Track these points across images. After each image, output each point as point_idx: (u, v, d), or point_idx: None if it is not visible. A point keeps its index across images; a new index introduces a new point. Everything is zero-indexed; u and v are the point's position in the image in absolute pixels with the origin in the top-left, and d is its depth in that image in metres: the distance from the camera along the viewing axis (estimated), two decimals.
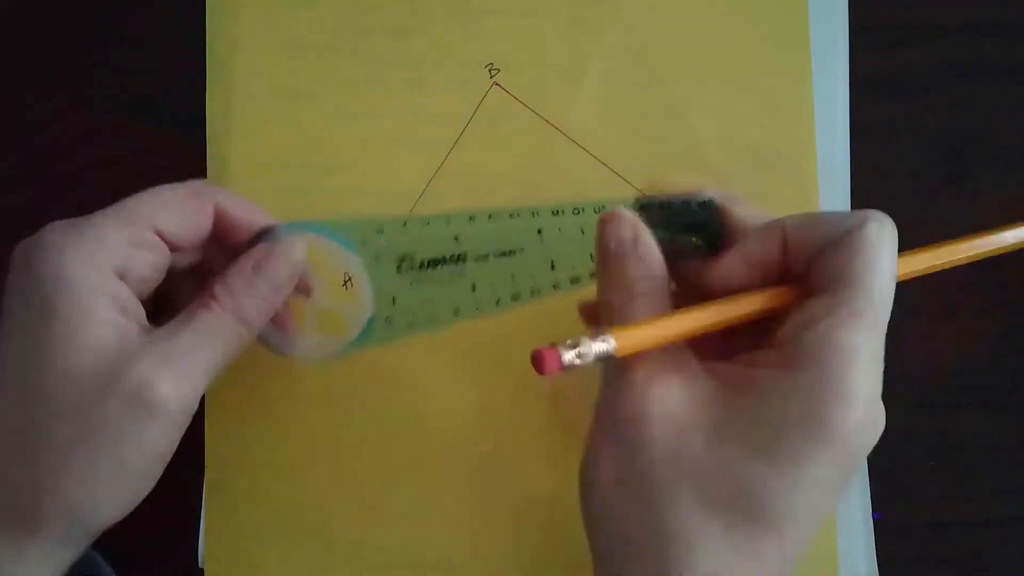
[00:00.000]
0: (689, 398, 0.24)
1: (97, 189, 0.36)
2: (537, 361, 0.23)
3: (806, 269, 0.25)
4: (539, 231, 0.31)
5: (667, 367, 0.25)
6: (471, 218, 0.30)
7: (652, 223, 0.27)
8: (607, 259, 0.27)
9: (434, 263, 0.30)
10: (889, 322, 0.34)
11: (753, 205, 0.29)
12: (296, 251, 0.30)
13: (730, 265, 0.27)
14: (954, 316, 0.35)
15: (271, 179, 0.34)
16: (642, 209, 0.29)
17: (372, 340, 0.31)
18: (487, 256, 0.30)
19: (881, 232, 0.24)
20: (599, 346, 0.23)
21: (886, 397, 0.34)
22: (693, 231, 0.29)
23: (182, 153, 0.35)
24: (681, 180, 0.34)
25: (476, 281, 0.31)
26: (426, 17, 0.35)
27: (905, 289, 0.35)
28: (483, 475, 0.34)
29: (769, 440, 0.23)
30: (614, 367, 0.25)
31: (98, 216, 0.27)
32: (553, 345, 0.23)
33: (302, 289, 0.31)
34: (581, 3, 0.34)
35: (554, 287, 0.31)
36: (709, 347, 0.27)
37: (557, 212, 0.31)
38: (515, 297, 0.31)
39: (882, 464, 0.34)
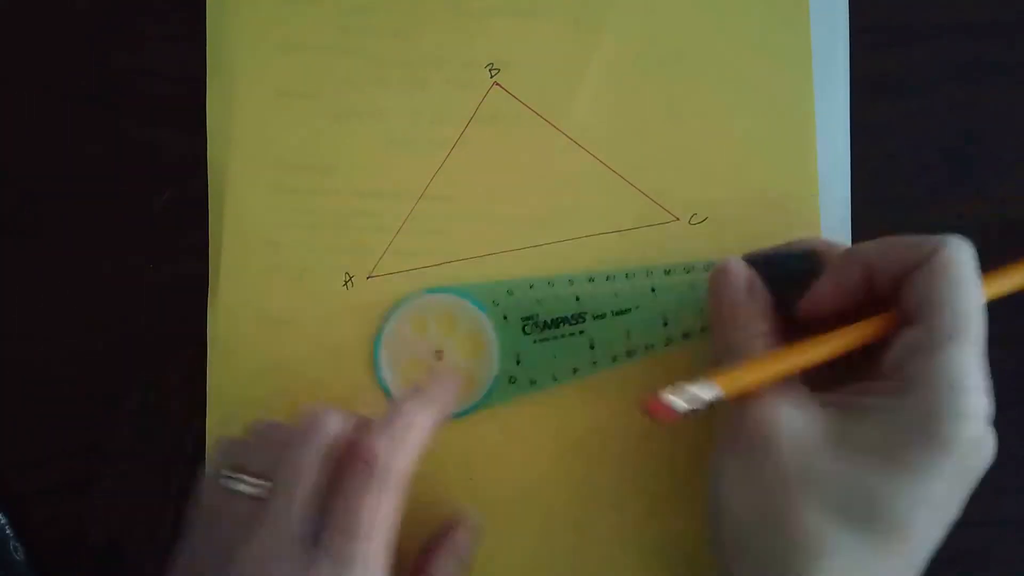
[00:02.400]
0: (811, 420, 0.26)
1: (97, 189, 0.36)
2: (652, 412, 0.25)
3: (892, 292, 0.27)
4: (652, 289, 0.32)
5: (785, 395, 0.27)
6: (591, 279, 0.32)
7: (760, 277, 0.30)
8: (723, 306, 0.29)
9: (557, 322, 0.32)
10: None
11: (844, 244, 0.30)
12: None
13: (818, 294, 0.29)
14: None
15: (271, 179, 0.34)
16: (749, 263, 0.30)
17: (495, 399, 0.33)
18: (605, 315, 0.32)
19: (960, 254, 0.26)
20: (709, 392, 0.26)
21: None
22: (796, 282, 0.29)
23: (182, 153, 0.35)
24: (684, 181, 0.34)
25: (594, 339, 0.32)
26: (426, 17, 0.34)
27: None
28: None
29: (893, 454, 0.25)
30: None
31: (371, 559, 0.26)
32: (661, 394, 0.25)
33: None
34: (581, 3, 0.34)
35: (667, 342, 0.32)
36: (818, 377, 0.28)
37: (668, 271, 0.32)
38: (630, 353, 0.32)
39: None
